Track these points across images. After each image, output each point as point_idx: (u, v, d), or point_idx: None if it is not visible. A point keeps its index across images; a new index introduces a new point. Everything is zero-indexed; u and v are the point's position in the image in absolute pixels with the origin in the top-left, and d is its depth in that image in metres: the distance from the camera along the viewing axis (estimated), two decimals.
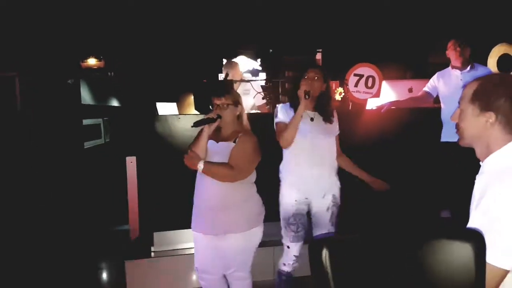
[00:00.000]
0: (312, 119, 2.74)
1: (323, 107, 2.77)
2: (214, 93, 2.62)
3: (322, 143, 2.74)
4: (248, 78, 4.69)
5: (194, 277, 3.63)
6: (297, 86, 2.72)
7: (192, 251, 2.77)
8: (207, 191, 2.55)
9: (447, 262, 1.15)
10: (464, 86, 1.53)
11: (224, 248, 2.60)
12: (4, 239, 4.46)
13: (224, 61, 5.84)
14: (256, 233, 2.64)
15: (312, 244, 1.18)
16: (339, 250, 1.15)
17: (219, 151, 2.54)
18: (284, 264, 2.85)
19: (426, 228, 1.20)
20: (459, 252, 1.16)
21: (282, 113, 2.78)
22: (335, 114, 2.88)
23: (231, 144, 2.54)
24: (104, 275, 4.13)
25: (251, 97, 4.45)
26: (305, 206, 2.81)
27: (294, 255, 2.81)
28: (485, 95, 1.43)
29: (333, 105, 2.90)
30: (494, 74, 1.54)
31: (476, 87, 1.46)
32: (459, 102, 1.53)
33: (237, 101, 2.61)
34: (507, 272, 1.30)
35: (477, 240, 1.17)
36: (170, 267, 3.62)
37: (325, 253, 1.12)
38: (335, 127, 2.85)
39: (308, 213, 2.87)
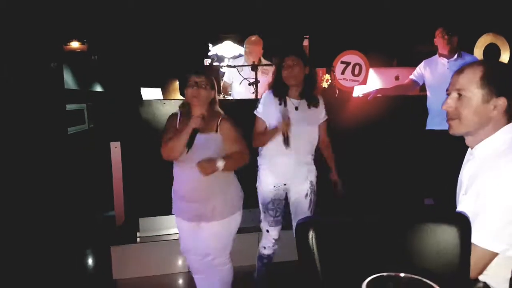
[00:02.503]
0: (296, 108, 2.73)
1: (308, 91, 2.75)
2: (192, 71, 2.56)
3: (304, 130, 2.74)
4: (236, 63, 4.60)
5: (179, 262, 3.63)
6: (279, 74, 2.72)
7: (178, 236, 2.77)
8: (190, 183, 2.52)
9: (433, 245, 1.16)
10: (455, 72, 1.48)
11: (205, 235, 2.61)
12: None
13: (210, 45, 5.78)
14: (236, 218, 2.65)
15: (299, 225, 1.17)
16: (325, 232, 1.15)
17: (203, 144, 2.46)
18: (264, 248, 2.91)
19: (412, 212, 1.20)
20: (445, 235, 1.16)
21: (263, 105, 2.78)
22: (321, 101, 2.86)
23: (213, 136, 2.49)
24: (90, 261, 4.09)
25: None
26: (283, 192, 2.84)
27: (273, 239, 2.87)
28: (497, 79, 1.39)
29: (318, 90, 2.88)
30: (492, 60, 1.51)
31: (482, 73, 1.40)
32: (447, 90, 1.50)
33: (213, 84, 2.58)
34: (495, 254, 1.32)
35: (462, 222, 1.17)
36: (155, 252, 3.62)
37: (311, 234, 1.12)
38: (320, 113, 2.84)
39: (287, 201, 2.90)
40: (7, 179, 5.13)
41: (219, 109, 2.63)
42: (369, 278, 0.59)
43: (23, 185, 5.25)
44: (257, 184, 2.89)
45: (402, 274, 0.61)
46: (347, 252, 1.15)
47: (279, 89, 2.71)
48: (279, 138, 2.66)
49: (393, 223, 1.18)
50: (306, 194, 2.82)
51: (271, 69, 3.72)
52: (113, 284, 3.48)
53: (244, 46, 4.66)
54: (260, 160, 2.87)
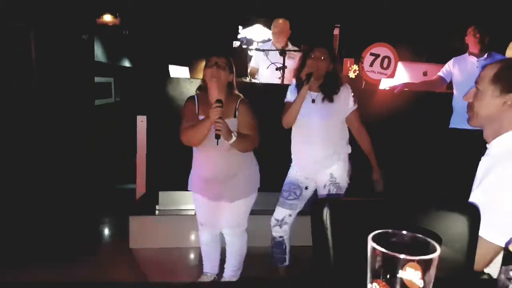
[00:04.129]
0: (313, 101, 2.73)
1: (328, 87, 2.72)
2: (213, 52, 2.56)
3: (319, 124, 2.73)
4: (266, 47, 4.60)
5: (193, 237, 3.73)
6: (303, 64, 2.72)
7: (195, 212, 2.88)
8: (212, 165, 2.60)
9: (441, 232, 1.19)
10: (483, 68, 1.53)
11: (224, 212, 2.74)
12: (12, 190, 4.56)
13: (240, 28, 5.80)
14: (253, 197, 2.77)
15: (315, 204, 1.23)
16: (339, 210, 1.20)
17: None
18: (276, 220, 2.93)
19: (425, 198, 1.24)
20: (454, 224, 1.20)
21: (290, 92, 2.84)
22: (349, 91, 2.77)
23: (232, 121, 2.51)
24: (108, 229, 4.24)
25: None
26: (305, 180, 2.89)
27: (275, 218, 2.92)
28: (505, 78, 1.43)
29: (341, 83, 2.79)
30: None
31: (497, 69, 1.46)
32: (476, 82, 1.54)
33: (231, 67, 2.58)
34: (502, 248, 1.33)
35: (472, 213, 1.21)
36: (172, 225, 3.73)
37: (326, 211, 1.17)
38: (339, 106, 2.74)
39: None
40: (36, 145, 5.31)
41: (237, 92, 2.65)
42: (374, 232, 0.64)
43: (50, 153, 5.43)
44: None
45: (405, 232, 0.66)
46: (358, 230, 1.19)
47: (301, 80, 2.70)
48: (301, 132, 2.75)
49: (406, 206, 1.23)
50: (325, 185, 2.84)
51: (298, 54, 3.73)
52: (129, 253, 3.59)
53: (271, 27, 4.64)
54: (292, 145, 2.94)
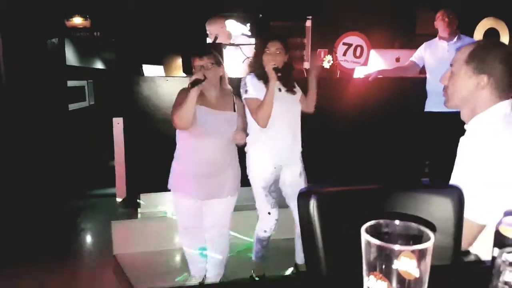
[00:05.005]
0: (280, 90, 2.72)
1: (286, 78, 2.73)
2: (194, 54, 2.56)
3: (290, 111, 2.77)
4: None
5: (178, 238, 3.68)
6: (259, 56, 2.69)
7: None
8: (210, 157, 2.58)
9: (427, 215, 1.21)
10: (458, 49, 1.56)
11: (213, 211, 2.71)
12: None
13: None
14: (237, 194, 2.77)
15: (301, 195, 1.22)
16: (326, 200, 1.20)
17: (228, 120, 2.59)
18: (265, 231, 2.87)
19: (410, 183, 1.25)
20: (439, 206, 1.21)
21: (253, 87, 2.68)
22: (298, 88, 2.86)
23: (232, 114, 2.63)
24: (90, 236, 4.17)
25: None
26: (279, 172, 2.86)
27: (275, 219, 2.86)
28: (479, 58, 1.45)
29: (294, 76, 2.87)
30: (490, 39, 1.56)
31: (471, 50, 1.48)
32: (451, 65, 1.56)
33: (219, 61, 2.60)
34: (483, 227, 1.37)
35: (457, 195, 1.22)
36: (156, 228, 3.68)
37: (312, 203, 1.17)
38: (298, 96, 2.84)
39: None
40: (9, 154, 5.17)
41: (229, 86, 2.68)
42: (367, 223, 0.64)
43: (24, 161, 5.29)
44: (251, 169, 2.80)
45: (397, 221, 0.67)
46: (347, 221, 1.20)
47: (262, 72, 2.65)
48: (273, 121, 2.64)
49: (391, 193, 1.23)
50: (300, 173, 2.86)
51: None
52: (112, 259, 3.51)
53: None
54: (254, 144, 2.79)
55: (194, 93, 2.39)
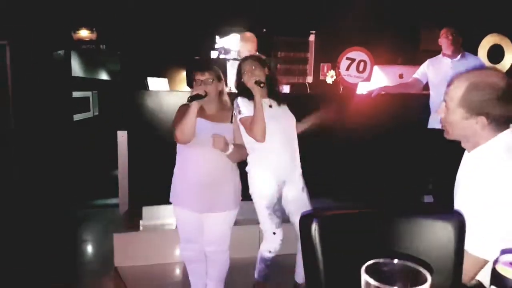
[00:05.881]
0: (270, 106, 2.75)
1: (274, 91, 2.81)
2: (196, 68, 2.62)
3: (287, 125, 2.79)
4: None
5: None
6: (240, 79, 2.75)
7: None
8: (210, 168, 2.59)
9: (429, 240, 1.21)
10: (451, 79, 1.51)
11: (213, 225, 2.70)
12: None
13: (217, 38, 5.82)
14: (237, 208, 2.75)
15: (302, 218, 1.23)
16: (327, 224, 1.20)
17: (224, 132, 2.57)
18: (270, 251, 2.84)
19: (412, 207, 1.25)
20: (440, 232, 1.21)
21: (245, 108, 2.69)
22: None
23: (229, 126, 2.64)
24: (92, 247, 4.17)
25: None
26: (282, 188, 2.82)
27: (280, 239, 2.82)
28: (473, 100, 1.41)
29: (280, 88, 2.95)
30: (480, 73, 1.51)
31: (463, 91, 1.43)
32: (444, 99, 1.52)
33: (219, 76, 2.64)
34: (487, 261, 1.33)
35: (457, 221, 1.22)
36: (158, 240, 3.68)
37: (314, 227, 1.17)
38: (288, 109, 2.88)
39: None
40: (14, 164, 5.20)
41: (227, 99, 2.71)
42: (366, 264, 0.65)
43: (28, 171, 5.33)
44: (255, 188, 2.78)
45: (395, 261, 0.68)
46: (348, 243, 1.21)
47: (249, 92, 2.68)
48: (272, 137, 2.65)
49: (392, 218, 1.24)
50: (302, 188, 2.85)
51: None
52: (114, 271, 3.50)
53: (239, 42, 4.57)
54: (254, 163, 2.78)
55: (194, 107, 2.44)
